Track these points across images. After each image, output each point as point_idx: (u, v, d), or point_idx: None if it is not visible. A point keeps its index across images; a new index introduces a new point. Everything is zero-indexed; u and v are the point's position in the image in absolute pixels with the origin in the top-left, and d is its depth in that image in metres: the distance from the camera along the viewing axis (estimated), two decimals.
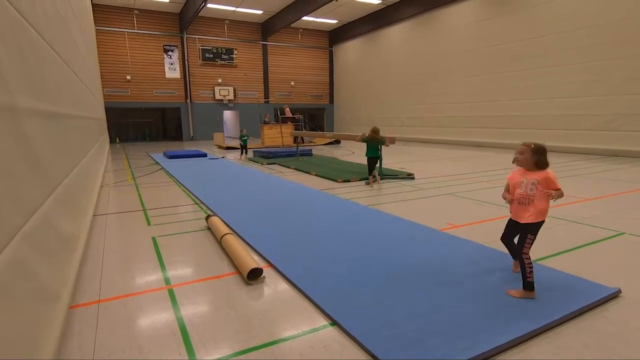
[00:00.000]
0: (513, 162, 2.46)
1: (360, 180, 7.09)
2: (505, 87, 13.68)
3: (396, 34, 18.99)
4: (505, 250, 3.24)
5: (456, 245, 3.44)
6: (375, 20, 19.99)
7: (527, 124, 13.03)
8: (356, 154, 12.33)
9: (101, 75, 17.26)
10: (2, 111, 1.73)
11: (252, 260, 2.88)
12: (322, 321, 2.23)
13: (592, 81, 11.16)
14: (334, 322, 2.19)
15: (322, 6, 16.01)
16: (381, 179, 7.07)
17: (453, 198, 5.53)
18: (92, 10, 16.15)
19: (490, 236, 3.68)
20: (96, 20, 17.30)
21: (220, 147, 15.70)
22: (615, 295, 2.42)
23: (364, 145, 6.75)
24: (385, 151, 7.37)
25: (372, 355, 1.86)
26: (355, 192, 6.05)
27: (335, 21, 21.94)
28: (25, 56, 2.41)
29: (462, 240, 3.54)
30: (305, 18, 19.49)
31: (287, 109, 18.92)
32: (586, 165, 8.84)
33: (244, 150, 11.72)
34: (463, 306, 2.30)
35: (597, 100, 11.11)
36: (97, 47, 16.62)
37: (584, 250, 3.31)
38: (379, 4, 18.52)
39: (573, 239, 3.60)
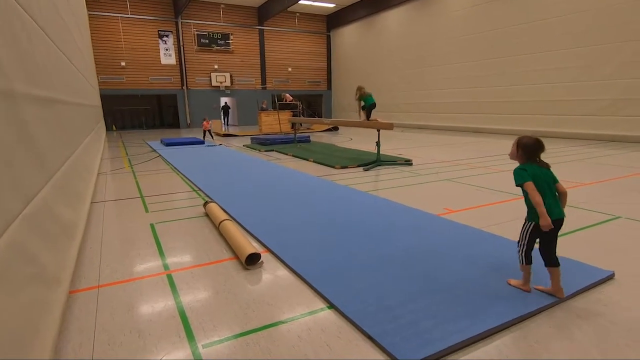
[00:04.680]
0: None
1: (358, 166, 7.09)
2: (504, 72, 13.59)
3: (394, 18, 18.74)
4: (498, 233, 3.27)
5: (452, 229, 3.46)
6: (373, 4, 19.70)
7: (525, 109, 12.99)
8: (354, 140, 12.30)
9: (95, 61, 17.02)
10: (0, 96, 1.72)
11: (250, 246, 2.90)
12: (320, 304, 2.26)
13: (590, 66, 11.09)
14: (331, 305, 2.22)
15: None
16: (379, 166, 7.08)
17: (450, 184, 5.55)
18: None
19: (487, 221, 3.72)
20: (88, 5, 16.96)
21: (217, 134, 15.62)
22: (609, 277, 2.46)
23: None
24: (382, 137, 7.37)
25: (369, 337, 1.90)
26: (353, 179, 6.06)
27: (332, 5, 21.61)
28: (19, 39, 2.37)
29: (459, 225, 3.56)
30: (302, 2, 19.20)
31: (287, 95, 18.78)
32: (584, 150, 8.86)
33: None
34: (458, 289, 2.33)
35: (595, 85, 11.06)
36: (91, 33, 16.35)
37: (579, 233, 3.34)
38: None
39: (569, 222, 3.60)
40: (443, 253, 2.90)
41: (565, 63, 11.68)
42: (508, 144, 2.50)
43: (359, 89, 8.42)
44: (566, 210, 2.23)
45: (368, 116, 8.38)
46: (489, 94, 14.26)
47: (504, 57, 13.55)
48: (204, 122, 13.41)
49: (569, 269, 2.56)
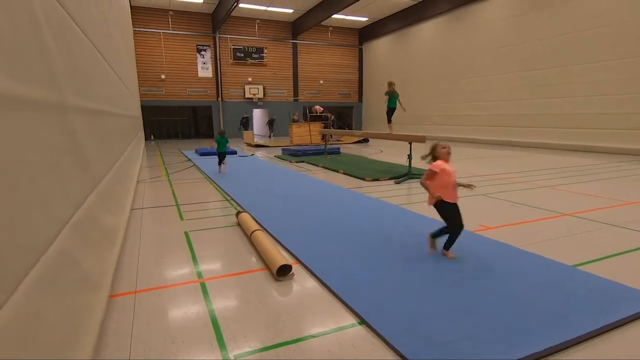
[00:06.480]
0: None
1: (389, 179, 7.01)
2: (543, 84, 13.11)
3: (427, 30, 18.61)
4: (538, 252, 3.12)
5: (489, 247, 3.34)
6: (406, 17, 19.67)
7: (565, 122, 12.44)
8: (385, 152, 12.20)
9: (138, 74, 17.93)
10: (53, 108, 1.83)
11: (281, 257, 2.92)
12: (351, 319, 2.23)
13: (637, 78, 10.52)
14: (362, 321, 2.18)
15: (353, 3, 15.89)
16: (411, 179, 6.97)
17: (486, 199, 5.37)
18: (130, 11, 16.79)
19: (525, 239, 3.56)
20: (134, 22, 17.98)
21: (249, 145, 15.95)
22: None
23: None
24: (413, 150, 7.25)
25: (402, 356, 1.85)
26: (384, 191, 5.99)
27: (365, 19, 21.77)
28: (73, 54, 2.53)
29: (495, 243, 3.44)
30: (335, 16, 19.44)
31: (318, 107, 18.96)
32: (630, 166, 8.35)
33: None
34: (496, 310, 2.24)
35: None
36: (135, 48, 17.28)
37: (627, 256, 3.13)
38: (410, 0, 18.23)
39: (616, 244, 3.42)
40: (479, 271, 2.80)
41: (610, 75, 11.13)
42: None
43: (390, 84, 8.52)
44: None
45: (389, 119, 8.47)
46: (528, 107, 13.78)
47: (543, 68, 13.09)
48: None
49: (616, 293, 2.40)
